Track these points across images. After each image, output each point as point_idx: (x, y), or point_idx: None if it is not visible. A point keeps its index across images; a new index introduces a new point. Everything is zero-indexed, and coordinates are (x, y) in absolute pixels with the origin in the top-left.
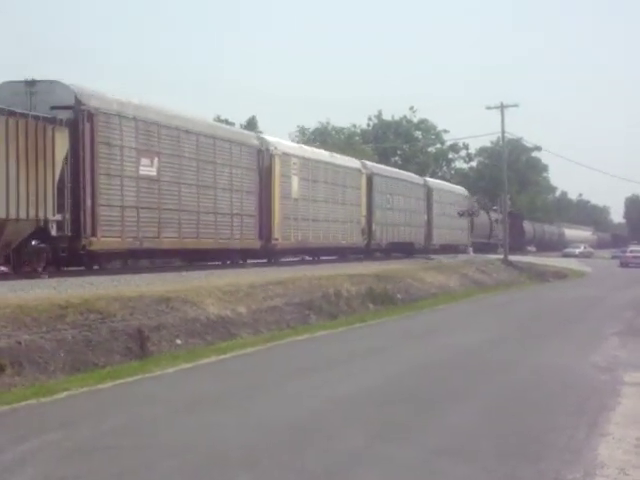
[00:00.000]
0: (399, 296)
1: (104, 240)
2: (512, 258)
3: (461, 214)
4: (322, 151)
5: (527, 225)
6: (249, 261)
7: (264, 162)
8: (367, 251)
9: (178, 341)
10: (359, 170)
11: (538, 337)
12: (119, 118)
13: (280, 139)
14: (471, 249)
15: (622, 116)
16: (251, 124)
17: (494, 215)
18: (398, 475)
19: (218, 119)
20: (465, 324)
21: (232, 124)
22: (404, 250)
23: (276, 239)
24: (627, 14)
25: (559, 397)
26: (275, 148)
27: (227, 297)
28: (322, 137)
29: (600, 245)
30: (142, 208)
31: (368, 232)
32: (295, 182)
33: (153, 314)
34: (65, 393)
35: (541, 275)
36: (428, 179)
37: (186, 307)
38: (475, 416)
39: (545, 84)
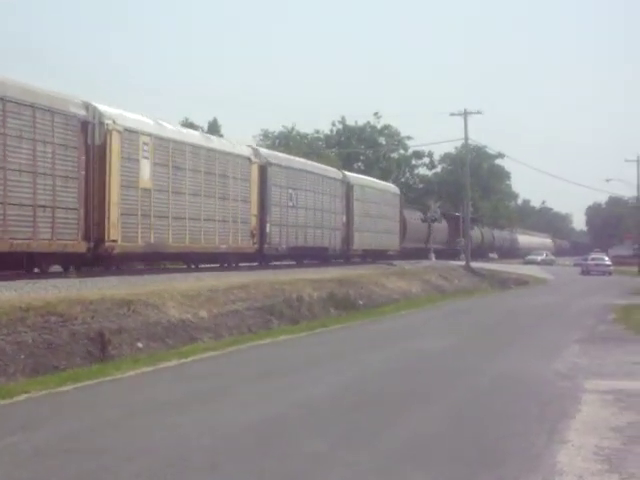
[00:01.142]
0: (361, 302)
1: None
2: (474, 265)
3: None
4: (193, 132)
5: (476, 230)
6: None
7: (95, 139)
8: (261, 257)
9: (139, 344)
10: (248, 158)
11: (500, 344)
12: None
13: (125, 111)
14: (433, 255)
15: (583, 124)
16: (213, 127)
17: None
18: None
19: (186, 122)
20: (427, 330)
21: (196, 128)
22: (315, 256)
23: (113, 241)
24: (591, 21)
25: (519, 404)
26: (113, 121)
27: (188, 301)
28: (286, 141)
29: (559, 253)
30: None
31: (260, 234)
32: (146, 168)
33: (114, 317)
34: (25, 396)
35: (503, 282)
36: (348, 173)
37: (148, 310)
38: (435, 422)
39: (508, 92)
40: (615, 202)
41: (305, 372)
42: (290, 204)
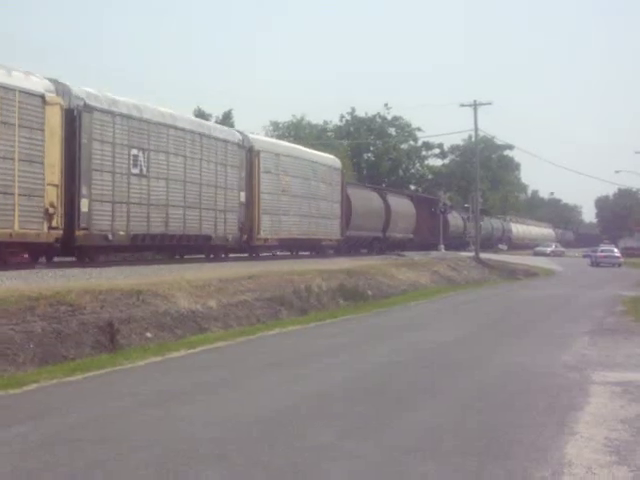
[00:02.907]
0: (370, 292)
1: None
2: (483, 256)
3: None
4: None
5: (453, 217)
6: None
7: None
8: (79, 251)
9: (148, 334)
10: (40, 96)
11: (508, 335)
12: None
13: None
14: (442, 246)
15: (593, 115)
16: (227, 118)
17: (393, 200)
18: (366, 472)
19: (199, 111)
20: (436, 321)
21: (209, 118)
22: (191, 248)
23: None
24: (602, 15)
25: (528, 396)
26: None
27: (198, 291)
28: (296, 132)
29: (562, 244)
30: None
31: (68, 215)
32: None
33: (124, 307)
34: (34, 385)
35: (512, 273)
36: (254, 136)
37: (157, 300)
38: (443, 414)
39: (517, 84)
40: (624, 194)
41: (313, 363)
42: (135, 171)
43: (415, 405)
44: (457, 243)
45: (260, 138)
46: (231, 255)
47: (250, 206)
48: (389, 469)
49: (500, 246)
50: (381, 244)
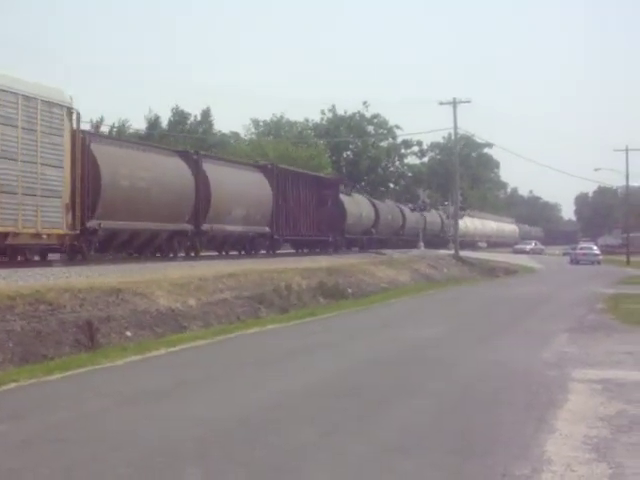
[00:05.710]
0: (350, 290)
1: None
2: (463, 254)
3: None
4: None
5: (352, 204)
6: None
7: None
8: None
9: (128, 333)
10: None
11: (488, 333)
12: None
13: None
14: (422, 244)
15: (572, 113)
16: (206, 115)
17: (219, 171)
18: (347, 471)
19: (176, 109)
20: (415, 319)
21: (188, 116)
22: None
23: None
24: (580, 10)
25: (507, 393)
26: None
27: (177, 289)
28: (276, 130)
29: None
30: None
31: None
32: None
33: (103, 306)
34: (13, 384)
35: (492, 271)
36: None
37: (136, 299)
38: (423, 412)
39: (497, 81)
40: (604, 191)
41: (292, 361)
42: None
43: (395, 403)
44: (436, 241)
45: None
46: None
47: None
48: (370, 467)
49: (480, 244)
50: (191, 241)
